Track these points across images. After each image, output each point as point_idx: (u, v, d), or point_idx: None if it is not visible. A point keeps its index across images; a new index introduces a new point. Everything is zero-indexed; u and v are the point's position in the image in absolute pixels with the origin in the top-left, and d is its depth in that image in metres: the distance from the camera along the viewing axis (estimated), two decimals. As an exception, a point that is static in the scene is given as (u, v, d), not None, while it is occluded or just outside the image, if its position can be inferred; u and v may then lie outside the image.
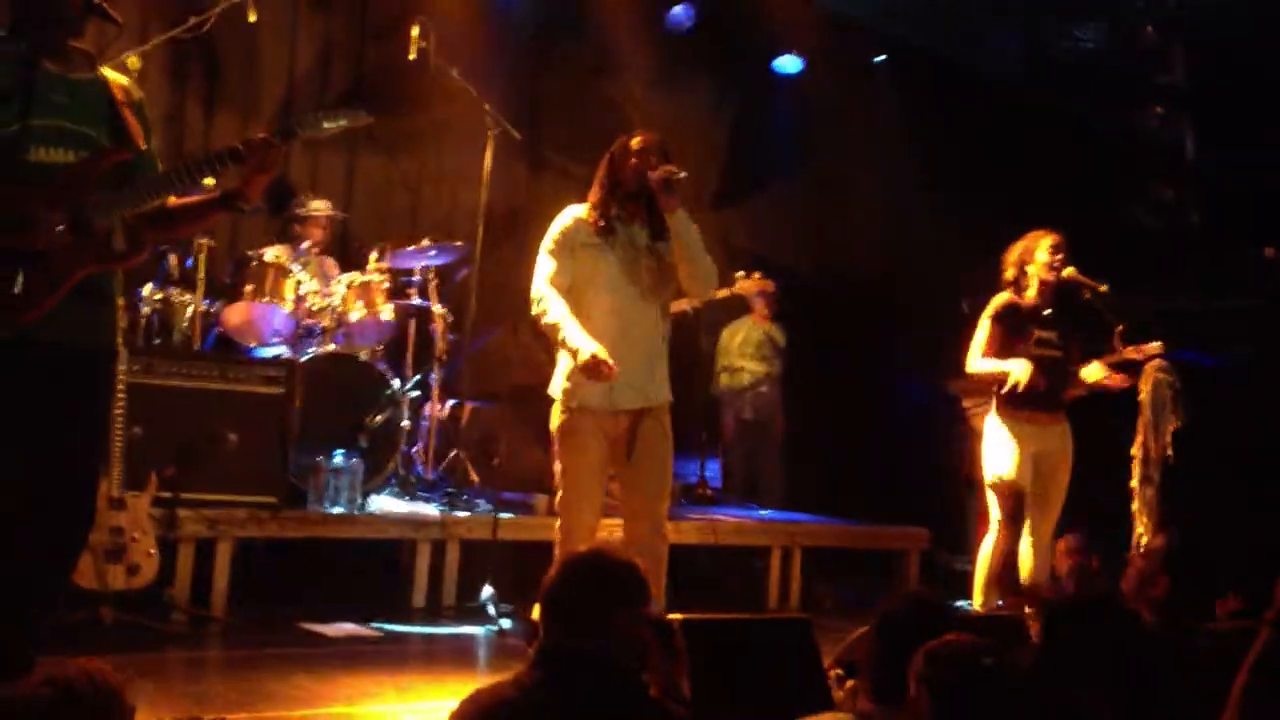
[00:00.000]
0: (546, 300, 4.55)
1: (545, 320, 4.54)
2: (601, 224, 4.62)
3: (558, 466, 4.69)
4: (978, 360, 5.75)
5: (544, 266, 4.63)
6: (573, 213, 4.70)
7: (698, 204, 8.70)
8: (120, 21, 3.39)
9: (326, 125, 3.50)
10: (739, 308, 8.87)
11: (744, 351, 8.90)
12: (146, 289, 6.25)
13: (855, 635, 3.97)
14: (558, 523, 4.68)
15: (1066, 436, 5.85)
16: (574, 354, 4.44)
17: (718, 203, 9.49)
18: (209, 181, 3.62)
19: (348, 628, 5.44)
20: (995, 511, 5.83)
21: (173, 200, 3.43)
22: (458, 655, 5.41)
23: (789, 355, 9.07)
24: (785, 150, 9.68)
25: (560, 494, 4.68)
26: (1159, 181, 7.93)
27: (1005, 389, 5.64)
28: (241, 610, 5.45)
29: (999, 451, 5.77)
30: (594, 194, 4.70)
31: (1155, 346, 6.09)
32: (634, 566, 2.88)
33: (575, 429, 4.62)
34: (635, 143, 4.65)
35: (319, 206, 7.07)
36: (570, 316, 4.49)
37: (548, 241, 4.66)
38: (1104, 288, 5.73)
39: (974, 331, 5.80)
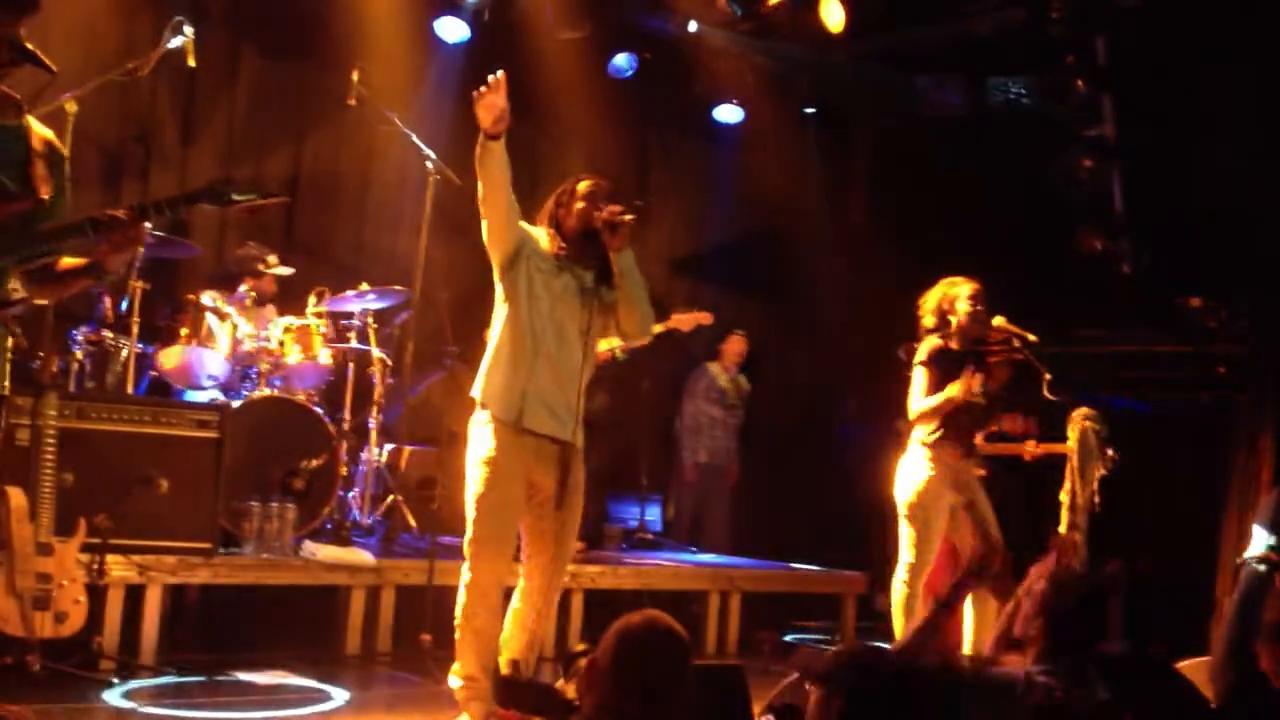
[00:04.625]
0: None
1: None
2: (558, 254, 4.51)
3: (471, 499, 4.37)
4: (920, 401, 5.79)
5: None
6: (536, 230, 4.58)
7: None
8: (54, 68, 3.37)
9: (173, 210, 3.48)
10: (681, 347, 8.84)
11: (708, 396, 9.00)
12: (80, 332, 6.19)
13: (787, 681, 3.98)
14: (465, 565, 4.38)
15: (978, 484, 5.91)
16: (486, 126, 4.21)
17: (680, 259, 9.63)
18: None
19: (279, 675, 5.38)
20: (906, 548, 5.82)
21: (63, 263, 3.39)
22: (391, 706, 5.35)
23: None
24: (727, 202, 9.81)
25: (472, 531, 4.34)
26: (1089, 231, 8.07)
27: (950, 404, 5.67)
28: (171, 658, 5.39)
29: (915, 487, 5.80)
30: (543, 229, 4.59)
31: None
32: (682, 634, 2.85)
33: (502, 449, 4.34)
34: (582, 187, 4.54)
35: (276, 265, 6.97)
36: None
37: None
38: (1033, 338, 5.81)
39: (910, 377, 5.87)
